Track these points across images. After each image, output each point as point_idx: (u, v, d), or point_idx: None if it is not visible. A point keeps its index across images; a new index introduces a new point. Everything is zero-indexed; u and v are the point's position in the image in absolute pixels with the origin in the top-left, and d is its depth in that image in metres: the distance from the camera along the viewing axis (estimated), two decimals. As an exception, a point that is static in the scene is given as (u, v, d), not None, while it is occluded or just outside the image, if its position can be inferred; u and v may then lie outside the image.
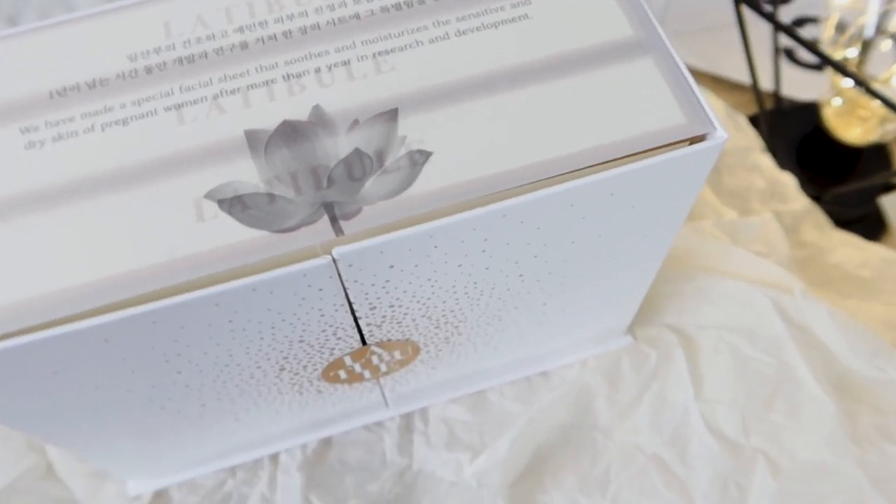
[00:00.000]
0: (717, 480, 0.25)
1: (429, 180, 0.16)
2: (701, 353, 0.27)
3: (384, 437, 0.27)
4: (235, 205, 0.16)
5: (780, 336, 0.26)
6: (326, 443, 0.27)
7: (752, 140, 0.37)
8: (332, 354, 0.20)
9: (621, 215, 0.18)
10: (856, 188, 0.45)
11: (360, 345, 0.20)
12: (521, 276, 0.19)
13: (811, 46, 0.34)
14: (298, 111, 0.17)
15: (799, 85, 0.46)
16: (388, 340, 0.21)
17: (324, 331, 0.19)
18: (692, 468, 0.25)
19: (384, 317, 0.19)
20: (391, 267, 0.17)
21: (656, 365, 0.27)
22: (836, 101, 0.44)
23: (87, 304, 0.15)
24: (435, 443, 0.27)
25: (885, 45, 0.42)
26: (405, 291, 0.18)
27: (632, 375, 0.27)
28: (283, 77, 0.18)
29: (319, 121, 0.17)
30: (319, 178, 0.16)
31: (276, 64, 0.18)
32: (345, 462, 0.27)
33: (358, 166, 0.16)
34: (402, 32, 0.18)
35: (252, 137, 0.17)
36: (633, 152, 0.16)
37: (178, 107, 0.17)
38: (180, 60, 0.18)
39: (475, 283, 0.19)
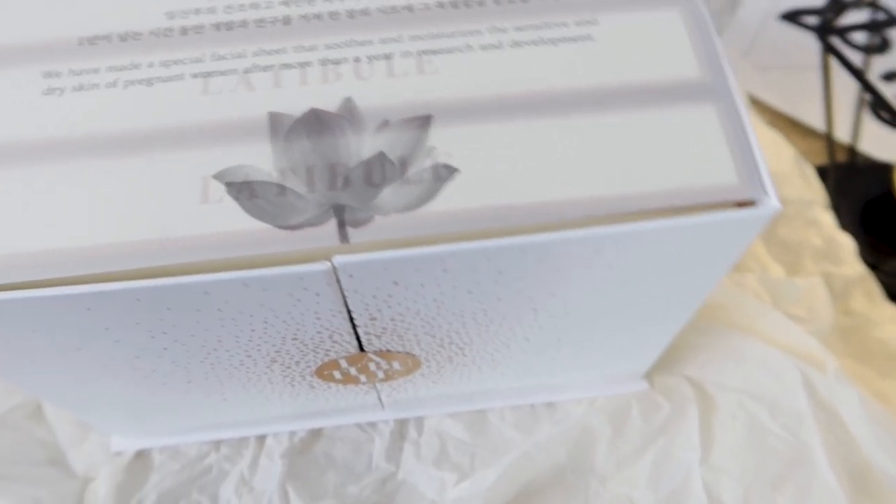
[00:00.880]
0: (708, 552, 0.23)
1: (450, 199, 0.15)
2: (716, 415, 0.25)
3: (375, 439, 0.26)
4: (243, 191, 0.15)
5: (804, 413, 0.24)
6: (316, 434, 0.26)
7: (816, 193, 0.35)
8: (326, 355, 0.19)
9: (652, 269, 0.17)
10: (919, 262, 0.42)
11: (358, 351, 0.19)
12: (534, 310, 0.18)
13: (892, 109, 0.32)
14: (329, 101, 0.16)
15: (878, 142, 0.43)
16: (388, 351, 0.20)
17: (319, 332, 0.18)
18: (685, 534, 0.24)
19: (384, 329, 0.18)
20: (395, 283, 0.16)
21: (667, 418, 0.25)
22: (915, 167, 0.41)
23: (70, 271, 0.14)
24: (424, 455, 0.26)
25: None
26: (408, 308, 0.17)
27: (640, 424, 0.25)
28: (320, 61, 0.17)
29: (348, 115, 0.16)
30: (335, 177, 0.15)
31: (316, 46, 0.17)
32: (330, 457, 0.26)
33: (378, 171, 0.15)
34: (454, 34, 0.17)
35: (275, 120, 0.16)
36: (673, 206, 0.15)
37: (206, 75, 0.16)
38: (218, 26, 0.17)
39: (485, 310, 0.18)
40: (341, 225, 0.15)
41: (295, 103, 0.16)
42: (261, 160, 0.15)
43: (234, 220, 0.15)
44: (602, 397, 0.26)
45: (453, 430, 0.26)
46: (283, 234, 0.15)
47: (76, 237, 0.15)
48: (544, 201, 0.15)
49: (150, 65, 0.17)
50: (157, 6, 0.17)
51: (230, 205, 0.15)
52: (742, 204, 0.15)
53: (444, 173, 0.15)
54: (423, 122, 0.16)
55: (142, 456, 0.26)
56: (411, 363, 0.21)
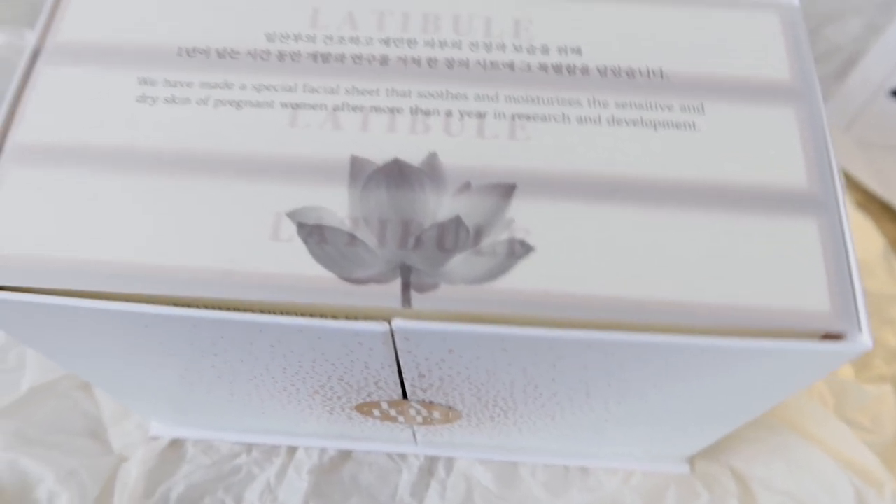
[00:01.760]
0: None
1: (520, 278, 0.14)
2: (758, 516, 0.24)
3: (403, 470, 0.26)
4: (314, 234, 0.15)
5: (853, 533, 0.23)
6: (345, 455, 0.26)
7: (901, 289, 0.33)
8: (369, 397, 0.19)
9: (720, 382, 0.16)
10: None
11: (401, 398, 0.19)
12: (587, 394, 0.18)
13: None
14: (413, 152, 0.16)
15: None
16: (430, 402, 0.19)
17: (365, 378, 0.17)
18: None
19: (431, 384, 0.18)
20: (450, 351, 0.15)
21: (706, 509, 0.24)
22: None
23: (135, 288, 0.14)
24: (449, 497, 0.25)
25: None
26: (459, 373, 0.17)
27: (675, 509, 0.24)
28: (412, 109, 0.16)
29: (431, 171, 0.15)
30: (407, 236, 0.15)
31: (409, 92, 0.16)
32: (356, 481, 0.26)
33: (452, 236, 0.15)
34: (552, 100, 0.16)
35: (356, 165, 0.15)
36: (753, 327, 0.14)
37: (296, 106, 0.16)
38: (315, 56, 0.17)
39: (536, 386, 0.17)
40: (406, 287, 0.14)
41: (379, 150, 0.16)
42: (336, 205, 0.15)
43: (300, 263, 0.15)
44: (639, 472, 0.25)
45: (482, 477, 0.25)
46: (346, 286, 0.14)
47: (145, 253, 0.15)
48: (618, 297, 0.14)
49: (243, 87, 0.16)
50: (258, 26, 0.17)
51: (298, 246, 0.15)
52: (830, 336, 0.14)
53: (519, 250, 0.15)
54: (507, 190, 0.15)
55: (176, 445, 0.26)
56: (452, 415, 0.20)
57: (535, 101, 0.16)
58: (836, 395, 0.27)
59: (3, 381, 0.26)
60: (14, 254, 0.15)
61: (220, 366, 0.18)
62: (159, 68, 0.17)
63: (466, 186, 0.15)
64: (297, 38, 0.17)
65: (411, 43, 0.17)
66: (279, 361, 0.17)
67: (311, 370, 0.17)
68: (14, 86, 0.17)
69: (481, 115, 0.16)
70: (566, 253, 0.15)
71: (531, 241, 0.15)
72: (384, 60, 0.17)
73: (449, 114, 0.16)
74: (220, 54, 0.17)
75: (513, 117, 0.16)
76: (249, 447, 0.26)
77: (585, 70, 0.17)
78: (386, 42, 0.17)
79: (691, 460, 0.25)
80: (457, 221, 0.15)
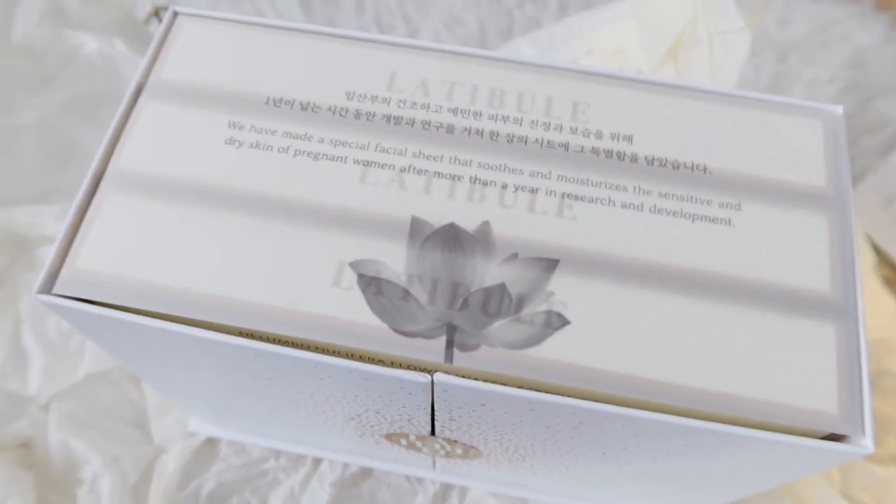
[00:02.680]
0: None
1: (554, 349, 0.16)
2: (754, 582, 0.25)
3: (419, 494, 0.27)
4: (371, 285, 0.16)
5: None
6: (366, 472, 0.28)
7: (922, 373, 0.34)
8: (400, 428, 0.21)
9: (727, 459, 0.17)
10: None
11: (429, 434, 0.20)
12: (604, 453, 0.19)
13: None
14: (468, 220, 0.17)
15: None
16: (455, 440, 0.21)
17: (400, 414, 0.19)
18: None
19: (459, 427, 0.19)
20: (483, 405, 0.17)
21: (704, 568, 0.25)
22: None
23: (205, 315, 0.16)
24: (460, 525, 0.27)
25: None
26: (486, 422, 0.18)
27: (674, 564, 0.25)
28: (471, 179, 0.18)
29: (483, 238, 0.17)
30: (456, 297, 0.16)
31: (470, 162, 0.18)
32: (374, 499, 0.27)
33: (496, 302, 0.16)
34: (601, 184, 0.18)
35: (416, 226, 0.17)
36: (763, 421, 0.15)
37: (367, 164, 0.18)
38: (388, 118, 0.18)
39: (556, 441, 0.19)
40: (449, 345, 0.16)
41: (438, 213, 0.17)
42: (394, 260, 0.17)
43: (357, 310, 0.16)
44: (644, 524, 0.26)
45: (494, 509, 0.27)
46: (396, 337, 0.16)
47: (218, 284, 0.16)
48: (641, 377, 0.15)
49: (321, 140, 0.18)
50: (339, 84, 0.19)
51: (356, 295, 0.16)
52: (833, 437, 0.15)
53: (556, 322, 0.16)
54: (550, 265, 0.17)
55: (211, 443, 0.28)
56: (473, 453, 0.22)
57: (585, 182, 0.18)
58: (844, 473, 0.27)
59: (63, 366, 0.28)
60: (103, 271, 0.16)
61: (269, 387, 0.19)
62: (248, 114, 0.18)
63: (514, 257, 0.17)
64: (373, 99, 0.19)
65: (477, 115, 0.19)
66: (325, 391, 0.18)
67: (353, 402, 0.19)
68: (117, 116, 0.18)
69: (534, 191, 0.18)
70: (598, 330, 0.16)
71: (568, 314, 0.16)
72: (450, 129, 0.18)
73: (504, 186, 0.18)
74: (304, 107, 0.19)
75: (562, 196, 0.17)
76: (278, 453, 0.28)
77: (634, 158, 0.18)
78: (454, 112, 0.19)
79: (695, 519, 0.26)
80: (501, 288, 0.16)
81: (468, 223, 0.17)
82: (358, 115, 0.19)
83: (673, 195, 0.17)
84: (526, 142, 0.18)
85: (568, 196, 0.17)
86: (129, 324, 0.16)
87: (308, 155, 0.18)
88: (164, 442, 0.28)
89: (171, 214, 0.17)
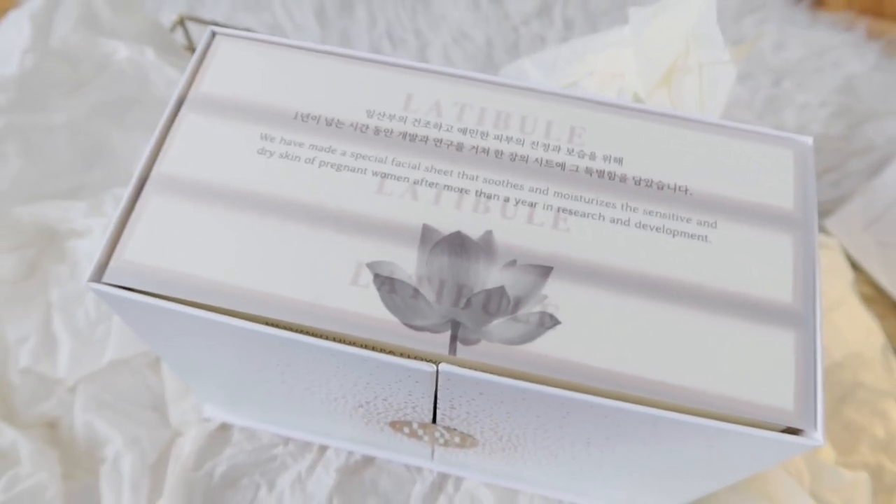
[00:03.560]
0: None
1: (546, 345, 0.18)
2: (725, 572, 0.27)
3: (417, 482, 0.29)
4: (386, 284, 0.18)
5: None
6: (369, 460, 0.30)
7: (894, 386, 0.36)
8: (404, 416, 0.23)
9: (696, 449, 0.19)
10: None
11: (431, 422, 0.23)
12: (588, 443, 0.21)
13: None
14: (474, 228, 0.19)
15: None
16: (454, 429, 0.23)
17: (405, 402, 0.21)
18: None
19: (458, 415, 0.21)
20: (480, 394, 0.19)
21: (679, 558, 0.27)
22: None
23: (236, 305, 0.18)
24: (454, 512, 0.29)
25: None
26: (483, 410, 0.20)
27: (652, 554, 0.27)
28: (477, 192, 0.20)
29: (486, 246, 0.19)
30: (460, 297, 0.18)
31: (477, 177, 0.20)
32: (375, 485, 0.29)
33: (495, 303, 0.18)
34: (592, 201, 0.20)
35: (427, 233, 0.19)
36: (727, 413, 0.17)
37: (384, 176, 0.20)
38: (404, 135, 0.21)
39: (545, 430, 0.21)
40: (454, 339, 0.18)
41: (446, 222, 0.19)
42: (406, 263, 0.19)
43: (372, 306, 0.18)
44: (626, 516, 0.28)
45: (485, 498, 0.29)
46: (406, 331, 0.18)
47: (248, 278, 0.18)
48: (625, 373, 0.18)
49: (344, 153, 0.20)
50: (361, 102, 0.21)
51: (372, 292, 0.18)
52: (790, 430, 0.17)
53: (549, 322, 0.18)
54: (544, 272, 0.19)
55: (224, 428, 0.30)
56: (469, 442, 0.24)
57: (578, 199, 0.20)
58: (813, 475, 0.29)
59: (90, 352, 0.30)
60: (147, 263, 0.18)
61: (287, 374, 0.21)
62: (278, 127, 0.21)
63: (513, 263, 0.19)
64: (391, 117, 0.21)
65: (484, 135, 0.21)
66: (339, 379, 0.20)
67: (364, 389, 0.21)
68: (160, 125, 0.20)
69: (532, 205, 0.20)
70: (586, 330, 0.18)
71: (559, 315, 0.18)
72: (460, 147, 0.20)
73: (507, 200, 0.20)
74: (328, 122, 0.21)
75: (558, 210, 0.20)
76: (287, 440, 0.30)
77: (623, 178, 0.20)
78: (463, 131, 0.21)
79: (673, 513, 0.28)
80: (501, 291, 0.18)
81: (473, 232, 0.19)
82: (377, 131, 0.21)
83: (657, 213, 0.20)
84: (527, 160, 0.20)
85: (563, 210, 0.20)
86: (169, 311, 0.18)
87: (331, 166, 0.20)
88: (180, 426, 0.30)
89: (208, 215, 0.19)
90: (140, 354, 0.30)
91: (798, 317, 0.18)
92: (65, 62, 0.34)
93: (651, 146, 0.21)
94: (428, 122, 0.21)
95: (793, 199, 0.20)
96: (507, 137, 0.21)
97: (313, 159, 0.20)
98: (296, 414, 0.27)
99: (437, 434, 0.24)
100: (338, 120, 0.21)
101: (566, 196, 0.20)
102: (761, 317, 0.18)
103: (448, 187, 0.20)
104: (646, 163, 0.20)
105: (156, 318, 0.20)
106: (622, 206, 0.20)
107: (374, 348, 0.18)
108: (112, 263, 0.19)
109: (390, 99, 0.21)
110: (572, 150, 0.20)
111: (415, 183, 0.20)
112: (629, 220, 0.19)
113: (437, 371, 0.18)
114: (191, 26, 0.41)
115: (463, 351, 0.18)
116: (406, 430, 0.24)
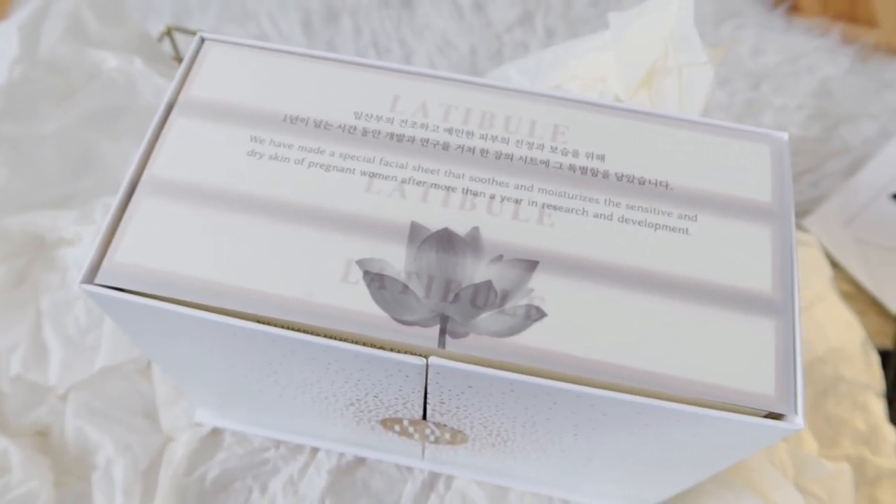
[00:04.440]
0: None
1: (533, 337, 0.18)
2: (713, 563, 0.27)
3: (408, 482, 0.30)
4: (375, 280, 0.19)
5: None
6: (360, 461, 0.30)
7: (874, 380, 0.37)
8: (395, 413, 0.23)
9: (681, 436, 0.19)
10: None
11: (421, 418, 0.23)
12: (575, 434, 0.21)
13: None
14: (461, 225, 0.20)
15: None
16: (444, 425, 0.23)
17: (396, 398, 0.21)
18: None
19: (448, 410, 0.22)
20: (469, 387, 0.19)
21: (667, 550, 0.28)
22: None
23: (228, 304, 0.18)
24: (446, 510, 0.29)
25: None
26: (473, 404, 0.20)
27: (642, 547, 0.28)
28: (463, 190, 0.20)
29: (473, 242, 0.19)
30: (448, 292, 0.19)
31: (463, 175, 0.20)
32: (367, 486, 0.29)
33: (483, 297, 0.19)
34: (576, 196, 0.20)
35: (415, 230, 0.20)
36: (710, 400, 0.18)
37: (372, 175, 0.20)
38: (392, 136, 0.21)
39: (534, 423, 0.21)
40: (442, 332, 0.18)
41: (434, 219, 0.20)
42: (395, 259, 0.19)
43: (362, 301, 0.19)
44: (615, 511, 0.29)
45: (476, 496, 0.29)
46: (396, 325, 0.18)
47: (240, 277, 0.19)
48: (610, 363, 0.18)
49: (332, 154, 0.21)
50: (349, 104, 0.21)
51: (362, 289, 0.19)
52: (771, 415, 0.18)
53: (535, 314, 0.18)
54: (530, 266, 0.19)
55: (216, 433, 0.30)
56: (460, 438, 0.24)
57: (562, 195, 0.20)
58: (797, 466, 0.30)
59: (80, 359, 0.30)
60: (138, 264, 0.19)
61: (279, 372, 0.22)
62: (268, 130, 0.21)
63: (499, 258, 0.19)
64: (378, 118, 0.21)
65: (469, 134, 0.21)
66: (330, 376, 0.21)
67: (355, 386, 0.21)
68: (151, 130, 0.21)
69: (517, 202, 0.20)
70: (571, 321, 0.18)
71: (545, 308, 0.19)
72: (446, 146, 0.21)
73: (492, 197, 0.20)
74: (317, 124, 0.21)
75: (543, 206, 0.20)
76: (278, 443, 0.30)
77: (606, 174, 0.21)
78: (449, 131, 0.21)
79: (661, 507, 0.29)
80: (488, 285, 0.19)
81: (460, 228, 0.20)
82: (365, 132, 0.21)
83: (638, 207, 0.20)
84: (512, 159, 0.21)
85: (547, 206, 0.20)
86: (161, 311, 0.19)
87: (320, 166, 0.20)
88: (171, 431, 0.30)
89: (199, 216, 0.19)
90: (131, 361, 0.31)
91: (777, 306, 0.19)
92: (53, 72, 0.34)
93: (632, 143, 0.21)
94: (415, 123, 0.21)
95: (770, 193, 0.21)
96: (492, 136, 0.21)
97: (302, 160, 0.20)
98: (287, 415, 0.27)
99: (427, 431, 0.24)
100: (326, 122, 0.21)
101: (550, 192, 0.20)
102: (741, 306, 0.19)
103: (435, 185, 0.20)
104: (627, 159, 0.21)
105: (148, 319, 0.20)
106: (605, 201, 0.20)
107: (364, 343, 0.19)
108: (104, 265, 0.19)
109: (377, 101, 0.22)
110: (556, 148, 0.21)
111: (402, 182, 0.20)
112: (612, 215, 0.20)
113: (427, 364, 0.18)
114: (178, 37, 0.42)
115: (452, 344, 0.18)
116: (397, 427, 0.25)
